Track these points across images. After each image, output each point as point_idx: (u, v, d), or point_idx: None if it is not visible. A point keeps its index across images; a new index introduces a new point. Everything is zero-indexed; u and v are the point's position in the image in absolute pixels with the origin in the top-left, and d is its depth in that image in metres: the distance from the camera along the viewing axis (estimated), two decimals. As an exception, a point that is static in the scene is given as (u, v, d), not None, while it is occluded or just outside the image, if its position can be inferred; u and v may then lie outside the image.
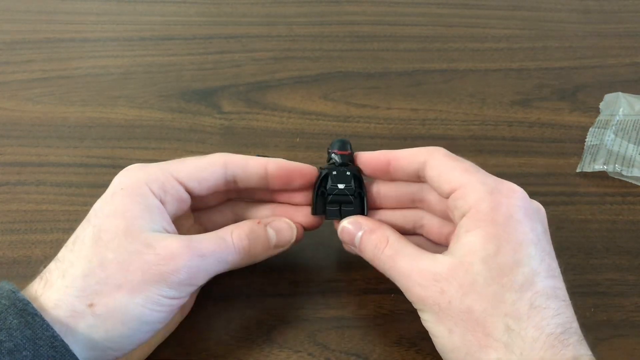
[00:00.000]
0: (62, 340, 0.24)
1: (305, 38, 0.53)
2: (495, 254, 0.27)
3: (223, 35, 0.54)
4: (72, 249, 0.28)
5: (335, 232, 0.33)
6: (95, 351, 0.26)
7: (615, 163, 0.42)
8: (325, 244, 0.37)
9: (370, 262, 0.31)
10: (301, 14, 0.56)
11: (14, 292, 0.25)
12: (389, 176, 0.33)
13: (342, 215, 0.33)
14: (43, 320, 0.24)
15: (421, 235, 0.34)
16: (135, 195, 0.29)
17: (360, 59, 0.52)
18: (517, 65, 0.51)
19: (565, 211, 0.40)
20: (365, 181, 0.33)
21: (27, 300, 0.25)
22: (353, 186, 0.33)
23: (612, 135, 0.44)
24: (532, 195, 0.30)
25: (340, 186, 0.33)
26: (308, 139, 0.45)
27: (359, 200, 0.33)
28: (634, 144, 0.43)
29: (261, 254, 0.32)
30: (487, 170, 0.30)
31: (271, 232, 0.32)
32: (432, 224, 0.33)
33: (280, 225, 0.32)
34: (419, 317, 0.29)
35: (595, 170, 0.42)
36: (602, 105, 0.47)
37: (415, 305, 0.29)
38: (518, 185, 0.29)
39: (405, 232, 0.33)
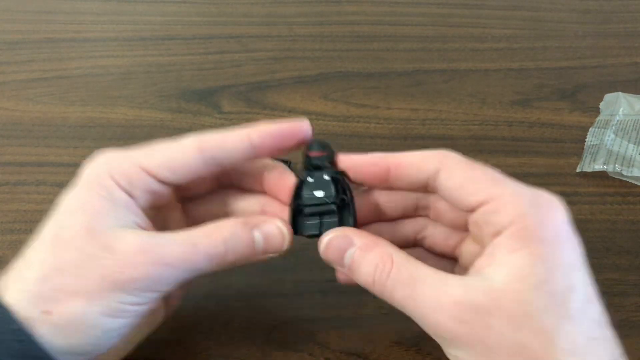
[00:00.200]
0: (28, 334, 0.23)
1: (305, 38, 0.53)
2: (547, 280, 0.23)
3: (223, 35, 0.54)
4: (34, 246, 0.26)
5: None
6: (59, 355, 0.25)
7: (615, 163, 0.42)
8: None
9: (368, 288, 0.26)
10: (301, 14, 0.56)
11: None
12: (387, 185, 0.28)
13: (322, 229, 0.27)
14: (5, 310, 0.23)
15: (421, 247, 0.31)
16: (99, 189, 0.26)
17: (360, 59, 0.52)
18: (517, 65, 0.51)
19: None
20: (354, 189, 0.28)
21: None
22: (333, 192, 0.27)
23: (612, 135, 0.44)
24: (532, 195, 0.30)
25: (318, 194, 0.27)
26: (308, 139, 0.45)
27: (345, 209, 0.27)
28: (634, 144, 0.43)
29: (242, 261, 0.27)
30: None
31: (258, 237, 0.27)
32: (437, 234, 0.30)
33: (269, 229, 0.27)
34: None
35: (595, 170, 0.42)
36: (602, 105, 0.47)
37: (445, 342, 0.25)
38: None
39: (403, 245, 0.28)
